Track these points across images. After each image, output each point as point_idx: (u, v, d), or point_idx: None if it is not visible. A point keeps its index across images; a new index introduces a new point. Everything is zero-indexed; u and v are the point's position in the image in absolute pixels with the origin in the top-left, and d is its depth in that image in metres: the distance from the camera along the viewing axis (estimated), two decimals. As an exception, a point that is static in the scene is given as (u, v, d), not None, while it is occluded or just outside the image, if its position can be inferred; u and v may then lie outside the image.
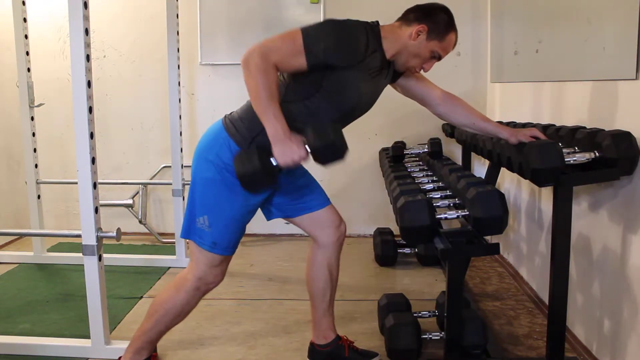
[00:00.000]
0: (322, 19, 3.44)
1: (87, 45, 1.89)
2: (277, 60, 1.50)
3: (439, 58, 1.70)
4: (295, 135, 1.51)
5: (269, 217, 1.88)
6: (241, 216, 1.70)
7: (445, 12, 1.67)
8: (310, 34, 1.52)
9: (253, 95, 1.51)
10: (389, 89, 1.84)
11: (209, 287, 1.76)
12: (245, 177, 1.51)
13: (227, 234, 1.70)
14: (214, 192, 1.66)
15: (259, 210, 1.82)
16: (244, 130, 1.64)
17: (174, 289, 1.76)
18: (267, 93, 1.48)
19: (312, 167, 1.69)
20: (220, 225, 1.68)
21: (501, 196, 1.63)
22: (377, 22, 1.68)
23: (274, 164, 1.51)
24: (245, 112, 1.67)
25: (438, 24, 1.64)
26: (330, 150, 1.50)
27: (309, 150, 1.50)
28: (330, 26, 1.56)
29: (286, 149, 1.49)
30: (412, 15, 1.67)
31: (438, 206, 1.83)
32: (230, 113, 1.73)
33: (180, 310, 1.78)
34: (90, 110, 1.92)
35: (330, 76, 1.57)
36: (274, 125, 1.49)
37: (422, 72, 1.79)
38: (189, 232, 1.71)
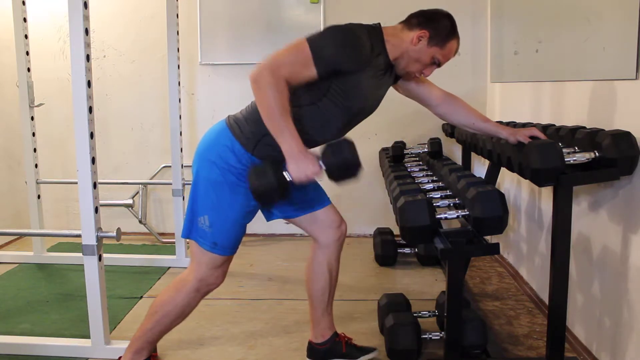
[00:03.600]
0: (322, 19, 3.43)
1: (87, 45, 1.89)
2: (287, 73, 1.48)
3: (439, 65, 1.69)
4: (309, 152, 1.52)
5: (269, 218, 1.87)
6: (242, 217, 1.70)
7: (448, 18, 1.66)
8: (316, 42, 1.51)
9: (265, 112, 1.49)
10: (389, 90, 1.84)
11: (209, 288, 1.76)
12: (259, 192, 1.51)
13: (228, 234, 1.70)
14: (216, 193, 1.66)
15: (259, 210, 1.82)
16: (249, 132, 1.64)
17: (174, 290, 1.76)
18: (280, 109, 1.47)
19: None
20: (220, 225, 1.68)
21: (501, 196, 1.63)
22: (379, 24, 1.68)
23: (288, 179, 1.51)
24: (251, 113, 1.66)
25: (440, 31, 1.63)
26: (345, 167, 1.52)
27: (323, 167, 1.51)
28: (335, 32, 1.54)
29: (301, 165, 1.49)
30: (414, 20, 1.66)
31: (438, 206, 1.83)
32: (234, 114, 1.73)
33: (181, 312, 1.78)
34: (90, 110, 1.92)
35: (338, 81, 1.57)
36: (288, 142, 1.49)
37: (421, 76, 1.78)
38: (190, 231, 1.71)
